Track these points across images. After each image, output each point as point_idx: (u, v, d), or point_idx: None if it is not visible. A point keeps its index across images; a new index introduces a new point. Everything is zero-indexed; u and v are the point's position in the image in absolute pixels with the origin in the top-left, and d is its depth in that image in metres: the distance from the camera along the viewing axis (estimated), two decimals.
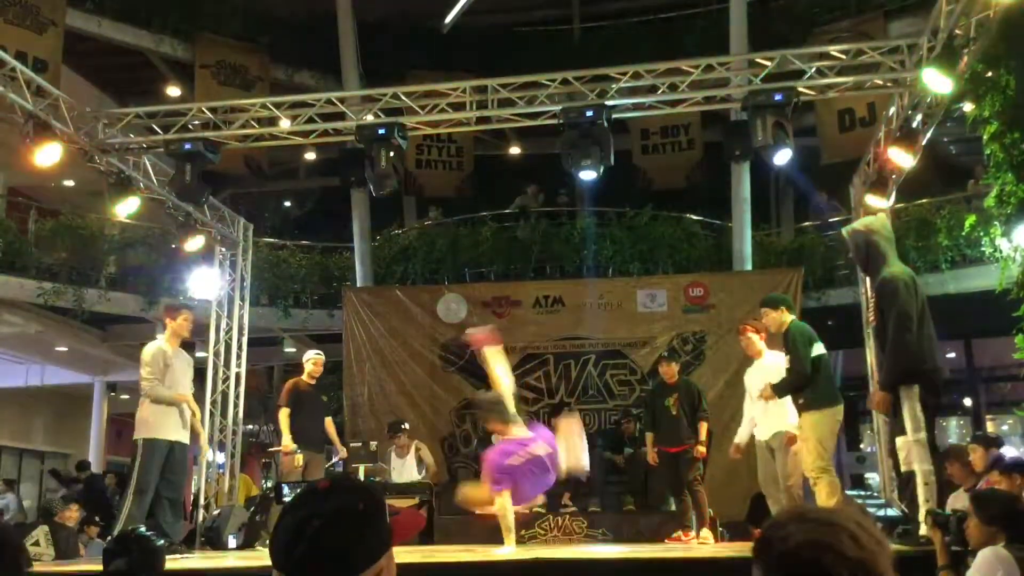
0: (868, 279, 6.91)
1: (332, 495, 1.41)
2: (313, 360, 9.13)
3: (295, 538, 1.37)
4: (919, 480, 5.45)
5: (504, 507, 6.18)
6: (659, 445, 8.36)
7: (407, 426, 10.02)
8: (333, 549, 1.36)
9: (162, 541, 3.89)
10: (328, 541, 1.36)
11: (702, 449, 8.16)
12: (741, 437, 7.66)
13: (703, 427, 8.19)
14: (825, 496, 6.12)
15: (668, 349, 11.29)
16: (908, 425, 5.51)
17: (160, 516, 7.02)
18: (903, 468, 5.70)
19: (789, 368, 6.46)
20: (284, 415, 8.82)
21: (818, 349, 6.44)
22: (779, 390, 6.50)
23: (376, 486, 7.05)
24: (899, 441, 5.67)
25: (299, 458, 8.60)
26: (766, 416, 7.22)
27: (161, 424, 7.08)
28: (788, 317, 6.72)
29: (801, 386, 6.34)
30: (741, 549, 7.05)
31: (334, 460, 9.40)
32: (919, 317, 5.59)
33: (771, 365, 7.08)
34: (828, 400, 6.36)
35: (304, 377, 9.10)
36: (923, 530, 5.21)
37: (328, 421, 9.18)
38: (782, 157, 7.60)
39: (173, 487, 7.20)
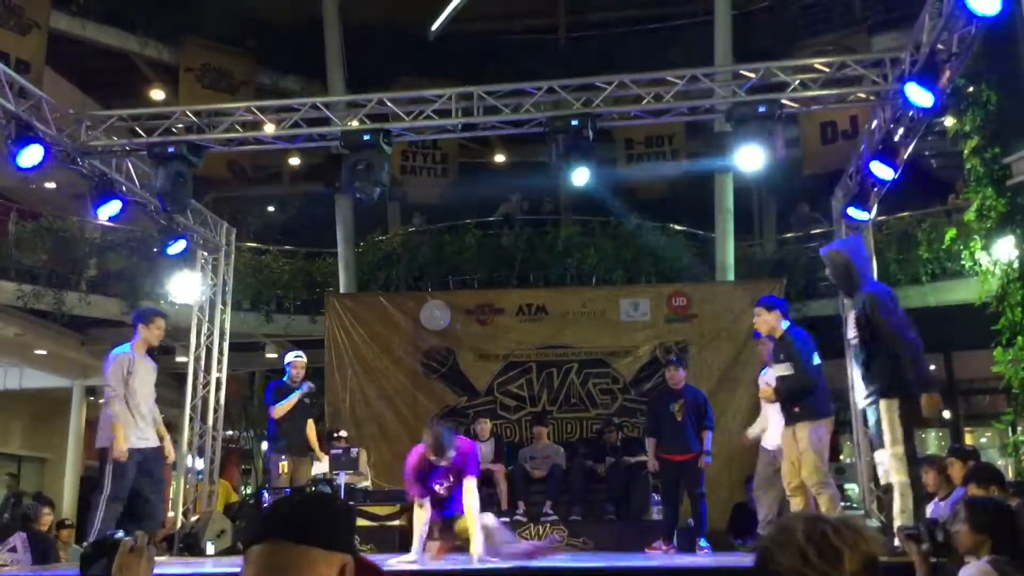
0: (846, 296, 6.87)
1: (314, 492, 1.55)
2: (293, 363, 8.99)
3: (278, 507, 1.54)
4: (896, 492, 5.48)
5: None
6: (661, 452, 8.34)
7: (343, 433, 10.02)
8: (314, 516, 1.51)
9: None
10: (310, 509, 1.53)
11: (708, 460, 8.15)
12: (753, 431, 7.67)
13: (708, 437, 8.18)
14: (827, 511, 6.10)
15: (650, 358, 11.31)
16: (887, 438, 5.53)
17: (138, 512, 6.97)
18: (882, 481, 5.72)
19: (793, 374, 6.30)
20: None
21: (817, 358, 6.41)
22: (786, 390, 6.34)
23: (349, 505, 7.12)
24: (878, 454, 5.70)
25: (284, 465, 8.52)
26: (777, 425, 7.19)
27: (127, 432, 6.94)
28: (783, 322, 6.63)
29: (808, 390, 6.25)
30: (721, 559, 7.07)
31: (316, 473, 9.13)
32: (905, 331, 5.63)
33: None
34: (825, 411, 6.32)
35: (287, 380, 8.99)
36: (897, 541, 5.25)
37: (309, 425, 9.04)
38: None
39: (155, 486, 7.15)
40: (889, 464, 5.53)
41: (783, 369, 6.39)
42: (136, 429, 6.94)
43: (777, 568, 1.42)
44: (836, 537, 1.43)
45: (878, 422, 5.59)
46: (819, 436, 6.19)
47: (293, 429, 8.74)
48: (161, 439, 7.24)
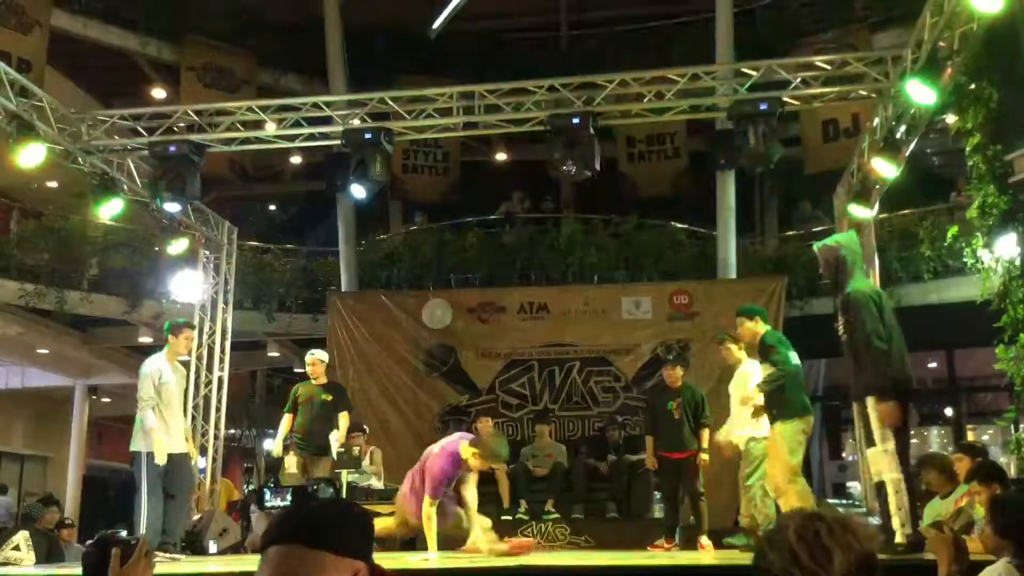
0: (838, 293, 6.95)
1: (332, 496, 1.56)
2: (308, 360, 8.82)
3: (294, 510, 1.55)
4: (890, 489, 5.48)
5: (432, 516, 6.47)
6: (660, 450, 8.35)
7: (367, 428, 9.99)
8: (328, 520, 1.51)
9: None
10: (325, 513, 1.53)
11: (705, 457, 8.14)
12: (725, 435, 7.71)
13: (705, 434, 8.18)
14: (796, 505, 6.17)
15: (652, 356, 11.31)
16: (876, 436, 5.54)
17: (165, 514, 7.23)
18: (874, 479, 5.74)
19: (770, 376, 6.49)
20: (284, 420, 8.66)
21: (794, 358, 6.53)
22: (767, 396, 6.51)
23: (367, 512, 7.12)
24: (869, 452, 5.71)
25: (289, 462, 8.43)
26: (739, 424, 7.38)
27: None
28: (762, 327, 6.84)
29: (784, 389, 6.39)
30: (723, 557, 7.07)
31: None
32: (888, 331, 5.65)
33: (749, 372, 7.22)
34: (799, 411, 6.45)
35: (310, 380, 8.80)
36: (899, 538, 5.26)
37: (342, 416, 8.62)
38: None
39: (180, 491, 7.44)
40: (880, 461, 5.54)
41: (765, 370, 6.58)
42: (167, 435, 7.22)
43: (769, 567, 1.42)
44: (828, 536, 1.42)
45: (867, 419, 5.61)
46: (791, 435, 6.32)
47: (306, 427, 8.50)
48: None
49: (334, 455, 8.56)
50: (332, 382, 9.10)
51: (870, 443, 5.65)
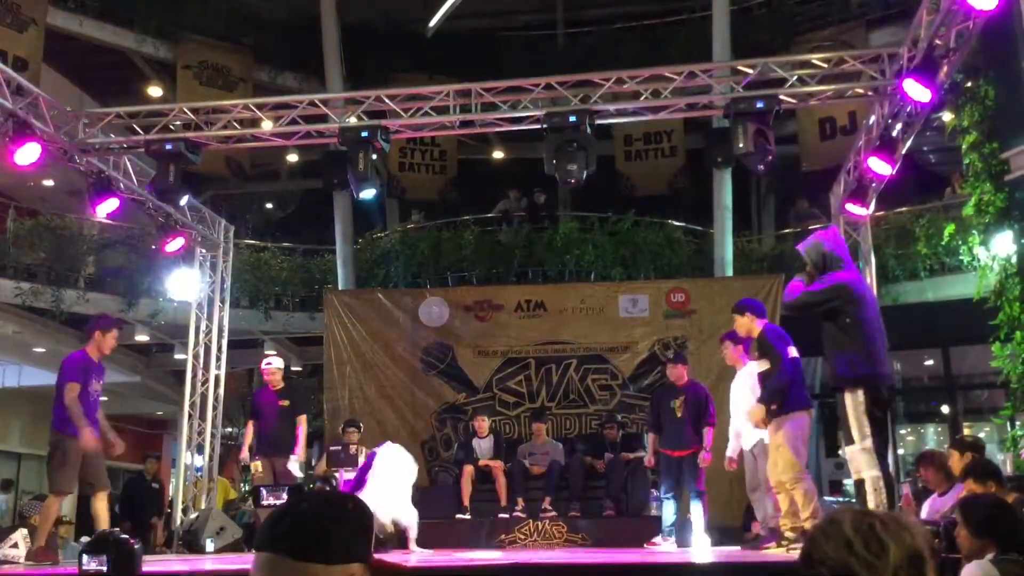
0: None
1: (325, 493, 1.51)
2: (268, 369, 8.87)
3: (283, 515, 1.46)
4: (868, 487, 5.47)
5: None
6: (662, 448, 8.36)
7: (362, 425, 10.02)
8: (316, 528, 1.44)
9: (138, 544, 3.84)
10: (313, 520, 1.45)
11: (707, 456, 8.14)
12: (732, 450, 7.65)
13: (709, 433, 8.17)
14: (802, 505, 6.14)
15: (649, 354, 11.31)
16: (854, 434, 5.52)
17: None
18: (854, 477, 5.73)
19: (769, 371, 6.42)
20: (248, 428, 8.85)
21: (793, 351, 6.44)
22: (770, 395, 6.41)
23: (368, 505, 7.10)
24: (848, 451, 5.70)
25: (255, 465, 8.55)
26: (747, 425, 7.29)
27: None
28: (758, 323, 6.73)
29: (786, 384, 6.30)
30: (720, 554, 7.08)
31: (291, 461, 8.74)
32: (869, 322, 5.65)
33: (751, 373, 7.17)
34: (801, 404, 6.38)
35: (267, 387, 8.93)
36: None
37: (301, 420, 8.79)
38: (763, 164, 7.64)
39: None
40: (859, 459, 5.53)
41: (762, 365, 6.53)
42: None
43: (823, 558, 1.45)
44: (883, 530, 1.46)
45: (845, 416, 5.59)
46: (795, 429, 6.26)
47: (266, 430, 8.68)
48: None
49: (299, 463, 8.68)
50: (288, 386, 9.12)
51: (849, 441, 5.64)
